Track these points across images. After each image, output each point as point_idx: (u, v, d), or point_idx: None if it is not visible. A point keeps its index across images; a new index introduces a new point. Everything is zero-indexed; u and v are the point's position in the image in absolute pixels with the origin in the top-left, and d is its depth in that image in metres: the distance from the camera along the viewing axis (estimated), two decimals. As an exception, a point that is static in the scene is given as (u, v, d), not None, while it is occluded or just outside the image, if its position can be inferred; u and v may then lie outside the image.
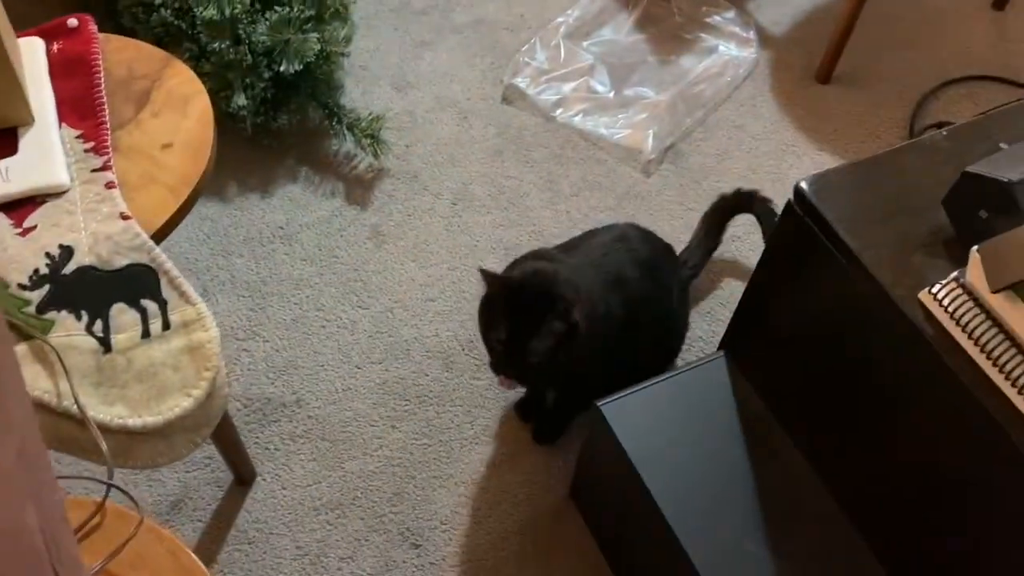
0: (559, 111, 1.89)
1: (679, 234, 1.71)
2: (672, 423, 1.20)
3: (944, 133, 1.04)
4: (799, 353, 1.12)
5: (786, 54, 2.04)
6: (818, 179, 0.99)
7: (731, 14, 2.06)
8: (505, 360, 1.23)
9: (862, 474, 1.08)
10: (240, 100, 1.64)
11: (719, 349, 1.27)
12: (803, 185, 0.98)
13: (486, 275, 1.21)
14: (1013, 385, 0.81)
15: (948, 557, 0.98)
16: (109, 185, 1.01)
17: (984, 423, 0.83)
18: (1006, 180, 0.86)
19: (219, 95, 1.64)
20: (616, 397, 1.21)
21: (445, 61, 1.98)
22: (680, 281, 1.49)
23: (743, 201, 1.59)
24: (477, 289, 1.63)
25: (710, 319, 1.61)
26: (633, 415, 1.19)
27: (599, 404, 1.20)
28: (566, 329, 1.16)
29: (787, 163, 1.84)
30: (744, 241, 1.72)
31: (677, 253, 1.54)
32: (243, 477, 1.40)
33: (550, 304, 1.17)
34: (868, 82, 1.99)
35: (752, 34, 2.03)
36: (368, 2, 2.06)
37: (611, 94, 1.92)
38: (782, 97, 1.96)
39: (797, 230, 0.99)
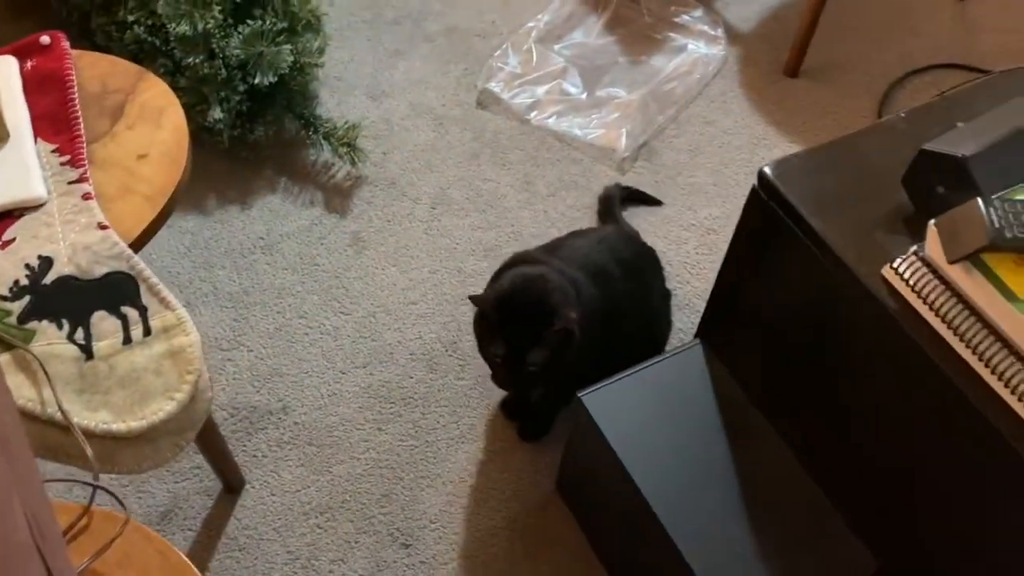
0: (533, 114, 1.91)
1: (655, 229, 1.74)
2: (652, 411, 1.22)
3: (902, 115, 1.07)
4: (772, 337, 1.15)
5: (754, 50, 2.07)
6: (781, 164, 1.01)
7: (699, 13, 2.09)
8: (505, 373, 1.24)
9: (840, 453, 1.10)
10: (216, 113, 1.66)
11: (696, 337, 1.29)
12: (766, 170, 1.01)
13: (475, 300, 1.22)
14: (974, 352, 0.83)
15: (928, 532, 1.00)
16: (86, 196, 1.02)
17: (947, 391, 0.85)
18: (960, 155, 0.89)
19: (195, 109, 1.66)
20: (597, 388, 1.23)
21: (419, 69, 2.00)
22: (663, 279, 1.51)
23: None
24: (458, 291, 1.65)
25: (689, 310, 1.63)
26: (614, 405, 1.21)
27: (581, 395, 1.22)
28: (563, 336, 1.18)
29: (759, 156, 1.87)
30: (720, 234, 1.75)
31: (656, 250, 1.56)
32: (232, 485, 1.41)
33: (545, 313, 1.18)
34: (835, 74, 2.02)
35: (720, 32, 2.06)
36: (341, 13, 2.08)
37: (584, 95, 1.94)
38: (752, 92, 1.99)
39: (762, 215, 1.02)
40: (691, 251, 1.72)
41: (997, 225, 0.82)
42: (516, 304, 1.20)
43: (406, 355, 1.57)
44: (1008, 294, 0.81)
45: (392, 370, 1.56)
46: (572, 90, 1.95)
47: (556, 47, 2.03)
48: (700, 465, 1.18)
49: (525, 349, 1.18)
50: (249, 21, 1.67)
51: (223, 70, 1.65)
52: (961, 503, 0.92)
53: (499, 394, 1.52)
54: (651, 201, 1.77)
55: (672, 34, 2.07)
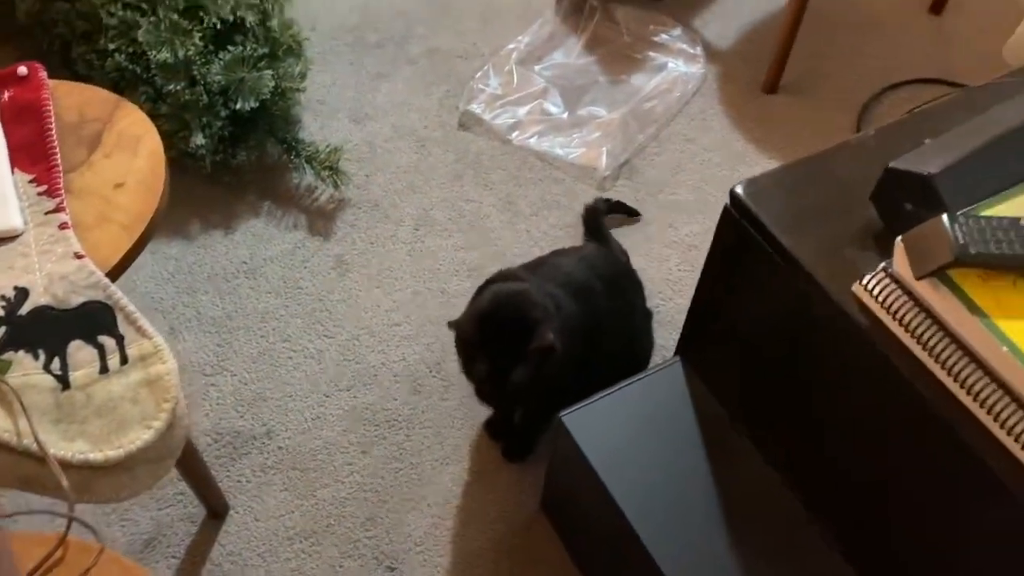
0: (515, 134, 1.92)
1: (637, 246, 1.75)
2: (634, 431, 1.22)
3: (872, 132, 1.08)
4: (748, 354, 1.15)
5: (733, 67, 2.09)
6: (752, 182, 1.02)
7: (678, 31, 2.11)
8: (489, 391, 1.24)
9: (816, 467, 1.10)
10: (198, 139, 1.67)
11: (676, 355, 1.30)
12: (738, 189, 1.02)
13: (453, 325, 1.23)
14: (943, 367, 0.84)
15: (903, 542, 1.00)
16: (63, 226, 1.02)
17: (918, 406, 0.86)
18: (926, 173, 0.90)
19: (177, 135, 1.66)
20: (578, 408, 1.23)
21: (401, 91, 2.01)
22: (643, 298, 1.52)
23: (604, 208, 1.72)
24: (442, 312, 1.66)
25: (671, 327, 1.64)
26: (595, 425, 1.22)
27: (562, 416, 1.22)
28: (545, 353, 1.18)
29: (739, 173, 1.89)
30: (701, 250, 1.75)
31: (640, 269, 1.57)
32: (216, 511, 1.41)
33: (526, 330, 1.18)
34: (813, 90, 2.04)
35: (699, 50, 2.08)
36: (322, 37, 2.09)
37: (565, 115, 1.96)
38: (731, 109, 2.00)
39: (735, 233, 1.03)
40: (673, 268, 1.73)
41: (962, 241, 0.83)
42: (496, 322, 1.21)
43: (390, 377, 1.58)
44: (974, 309, 0.82)
45: (376, 392, 1.56)
46: (553, 110, 1.97)
47: (537, 68, 2.04)
48: (681, 483, 1.18)
49: (508, 367, 1.18)
50: (230, 47, 1.68)
51: (204, 96, 1.66)
52: (934, 514, 0.93)
53: (484, 414, 1.52)
54: (632, 212, 1.78)
55: (651, 53, 2.09)
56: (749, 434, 1.19)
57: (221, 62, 1.66)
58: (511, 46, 2.07)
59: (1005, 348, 0.79)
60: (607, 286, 1.37)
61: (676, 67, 2.05)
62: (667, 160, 1.91)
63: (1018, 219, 0.86)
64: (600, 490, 1.17)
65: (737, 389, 1.20)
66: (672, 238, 1.78)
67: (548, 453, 1.47)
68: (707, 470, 1.19)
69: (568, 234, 1.77)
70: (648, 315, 1.52)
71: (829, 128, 1.96)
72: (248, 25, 1.72)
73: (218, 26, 1.68)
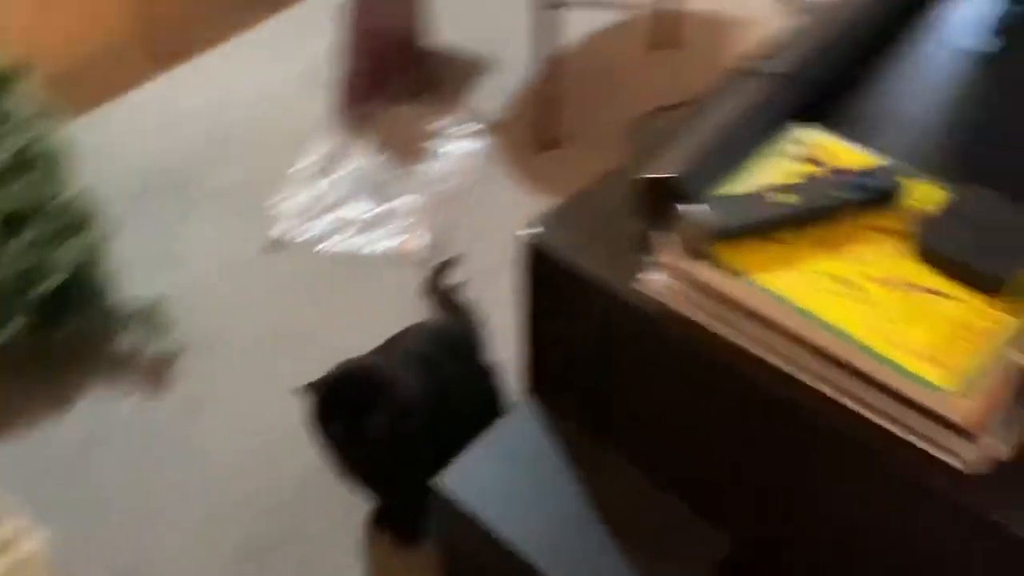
0: (327, 243, 2.01)
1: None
2: (506, 476, 1.29)
3: (630, 157, 1.24)
4: (586, 374, 1.26)
5: (514, 134, 2.27)
6: (535, 223, 1.15)
7: (457, 113, 2.28)
8: (347, 461, 1.29)
9: (673, 459, 1.21)
10: (7, 331, 1.64)
11: (526, 394, 1.38)
12: (523, 231, 1.14)
13: (302, 390, 1.29)
14: (734, 329, 0.97)
15: (759, 509, 1.12)
16: None
17: (728, 373, 0.99)
18: (670, 175, 1.05)
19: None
20: (446, 469, 1.29)
21: (208, 229, 2.05)
22: (487, 354, 1.61)
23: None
24: (298, 431, 1.67)
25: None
26: (468, 480, 1.28)
27: (431, 481, 1.27)
28: (397, 404, 1.26)
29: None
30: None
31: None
32: None
33: (377, 385, 1.27)
34: (584, 139, 2.25)
35: (480, 126, 2.26)
36: (120, 195, 2.08)
37: (370, 213, 2.06)
38: (519, 170, 2.17)
39: (532, 272, 1.15)
40: (508, 320, 1.83)
41: (714, 221, 0.97)
42: (348, 382, 1.30)
43: (263, 508, 1.57)
44: (738, 273, 0.95)
45: (254, 526, 1.55)
46: (358, 211, 2.07)
47: (333, 177, 2.14)
48: (568, 511, 1.24)
49: (363, 422, 1.25)
50: (26, 229, 1.67)
51: (6, 283, 1.63)
52: (778, 476, 1.05)
53: (365, 513, 1.55)
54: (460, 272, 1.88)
55: (437, 139, 2.24)
56: (614, 448, 1.27)
57: (18, 244, 1.65)
58: (302, 164, 2.16)
59: (767, 296, 0.94)
60: (448, 352, 1.46)
61: (462, 146, 2.22)
62: (470, 231, 2.03)
63: (751, 193, 1.02)
64: (489, 539, 1.22)
65: (590, 409, 1.29)
66: (495, 296, 1.88)
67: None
68: (588, 492, 1.25)
69: (402, 324, 1.84)
70: (491, 371, 1.61)
71: (607, 164, 2.15)
72: (32, 210, 1.71)
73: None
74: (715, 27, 2.55)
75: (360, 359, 1.34)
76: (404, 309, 1.86)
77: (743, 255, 0.97)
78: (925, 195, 1.02)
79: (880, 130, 1.18)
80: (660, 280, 1.02)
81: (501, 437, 1.33)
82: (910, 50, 1.33)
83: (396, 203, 2.08)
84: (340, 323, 1.86)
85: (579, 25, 2.44)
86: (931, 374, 0.86)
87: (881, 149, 1.08)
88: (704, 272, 0.97)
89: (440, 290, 1.79)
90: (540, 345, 1.30)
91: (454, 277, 1.84)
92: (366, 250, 1.98)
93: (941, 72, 1.33)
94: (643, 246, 1.08)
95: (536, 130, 2.20)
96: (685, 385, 1.08)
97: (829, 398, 0.93)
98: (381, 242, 1.99)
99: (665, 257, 1.00)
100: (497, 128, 2.29)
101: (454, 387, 1.43)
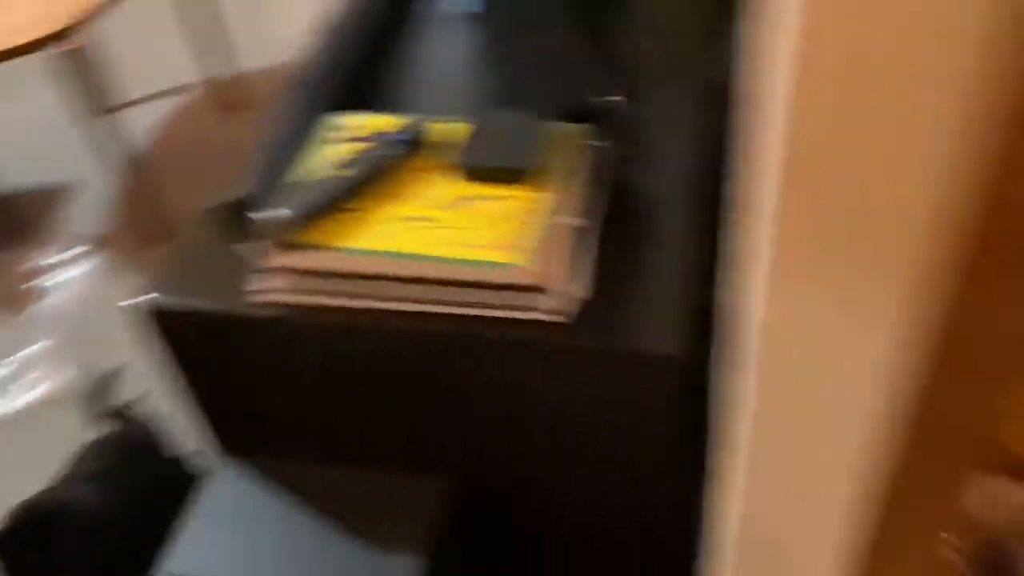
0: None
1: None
2: (228, 539, 1.29)
3: (208, 205, 1.31)
4: (260, 411, 1.31)
5: (119, 243, 2.23)
6: (148, 289, 1.19)
7: (56, 245, 2.20)
8: None
9: (373, 437, 1.29)
10: None
11: (220, 454, 1.40)
12: (136, 300, 1.17)
13: None
14: (348, 295, 1.09)
15: (468, 447, 1.25)
16: None
17: (361, 336, 1.10)
18: (240, 195, 1.15)
19: None
20: (170, 553, 1.27)
21: None
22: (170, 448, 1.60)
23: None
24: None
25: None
26: (192, 557, 1.27)
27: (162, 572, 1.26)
28: (82, 531, 1.24)
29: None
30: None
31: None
32: None
33: (53, 519, 1.26)
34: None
35: (82, 247, 2.19)
36: None
37: (2, 372, 1.94)
38: (134, 275, 2.15)
39: (161, 335, 1.19)
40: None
41: (293, 212, 1.08)
42: (22, 522, 1.30)
43: None
44: (328, 247, 1.08)
45: None
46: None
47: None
48: (286, 546, 1.27)
49: (53, 553, 1.22)
50: None
51: None
52: (441, 404, 1.18)
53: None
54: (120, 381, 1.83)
55: (42, 276, 2.15)
56: (315, 462, 1.33)
57: None
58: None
59: (359, 255, 1.07)
60: (126, 458, 1.44)
61: (71, 272, 2.15)
62: (111, 338, 1.98)
63: (314, 180, 1.15)
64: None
65: (279, 438, 1.34)
66: (157, 385, 1.86)
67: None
68: (307, 516, 1.29)
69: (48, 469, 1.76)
70: (178, 459, 1.60)
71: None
72: None
73: None
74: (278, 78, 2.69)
75: (31, 496, 1.29)
76: (73, 445, 1.78)
77: (326, 232, 1.09)
78: (452, 132, 1.21)
79: (407, 95, 1.38)
80: (272, 285, 1.11)
81: (211, 505, 1.34)
82: (417, 22, 1.54)
83: (26, 352, 1.97)
84: (13, 480, 1.73)
85: (147, 115, 2.46)
86: (501, 257, 1.04)
87: (410, 110, 1.26)
88: (299, 259, 1.08)
89: (103, 405, 1.74)
90: (208, 401, 1.33)
91: (115, 388, 1.79)
92: (12, 407, 1.86)
93: (442, 34, 1.55)
94: (248, 265, 1.17)
95: (140, 231, 2.20)
96: (337, 365, 1.18)
97: (440, 313, 1.08)
98: (26, 394, 1.88)
99: (266, 263, 1.10)
100: (103, 242, 2.24)
101: (142, 489, 1.42)
